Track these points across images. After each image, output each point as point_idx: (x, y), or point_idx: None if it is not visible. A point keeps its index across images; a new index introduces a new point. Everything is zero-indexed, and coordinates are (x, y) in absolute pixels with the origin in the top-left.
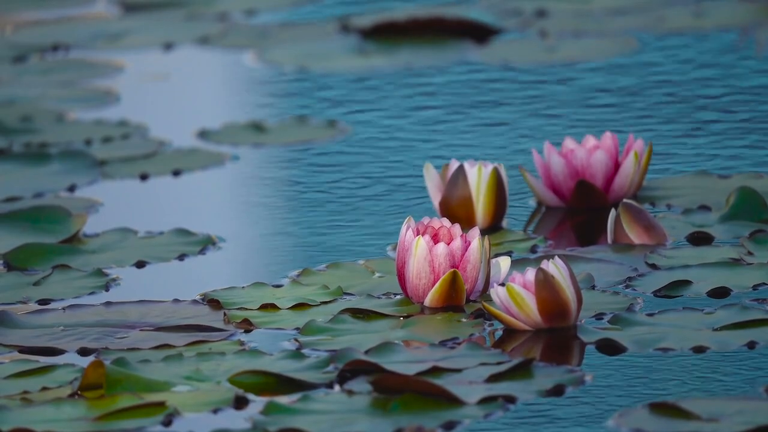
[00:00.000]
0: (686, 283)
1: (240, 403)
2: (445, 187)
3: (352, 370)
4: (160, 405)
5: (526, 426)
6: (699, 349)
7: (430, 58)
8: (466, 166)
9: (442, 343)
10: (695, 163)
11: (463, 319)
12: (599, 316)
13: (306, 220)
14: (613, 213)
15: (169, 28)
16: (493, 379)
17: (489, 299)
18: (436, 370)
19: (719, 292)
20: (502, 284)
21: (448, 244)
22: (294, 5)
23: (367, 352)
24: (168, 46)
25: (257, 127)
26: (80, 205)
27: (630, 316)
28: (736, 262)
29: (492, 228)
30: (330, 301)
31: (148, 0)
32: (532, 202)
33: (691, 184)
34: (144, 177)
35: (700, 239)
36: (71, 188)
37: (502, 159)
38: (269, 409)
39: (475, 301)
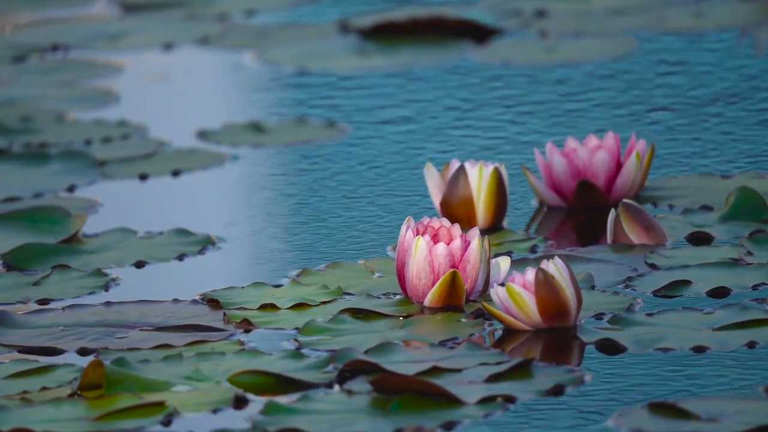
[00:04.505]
0: (686, 283)
1: (240, 403)
2: (446, 186)
3: (351, 370)
4: (160, 405)
5: (526, 426)
6: (699, 349)
7: (430, 59)
8: (467, 165)
9: (442, 343)
10: (696, 164)
11: (463, 319)
12: (599, 316)
13: (305, 220)
14: (612, 213)
15: (169, 28)
16: (493, 379)
17: (489, 299)
18: (435, 370)
19: (719, 292)
20: (502, 284)
21: (448, 244)
22: (294, 5)
23: (366, 352)
24: (168, 47)
25: (257, 128)
26: (80, 205)
27: (630, 316)
28: (735, 262)
29: (493, 228)
30: (330, 301)
31: (148, 0)
32: (533, 202)
33: (693, 184)
34: (144, 177)
35: (699, 239)
36: (71, 188)
37: (502, 159)
38: (269, 409)
39: (474, 301)
